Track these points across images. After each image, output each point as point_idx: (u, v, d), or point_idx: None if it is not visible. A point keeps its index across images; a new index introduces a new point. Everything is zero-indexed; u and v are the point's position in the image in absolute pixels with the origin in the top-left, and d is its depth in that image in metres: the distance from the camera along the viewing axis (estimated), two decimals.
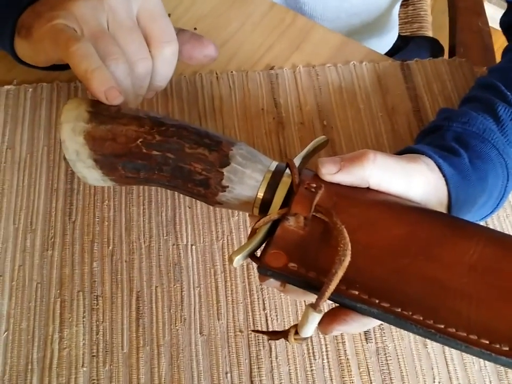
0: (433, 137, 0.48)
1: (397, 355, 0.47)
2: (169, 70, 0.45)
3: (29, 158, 0.55)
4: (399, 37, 0.93)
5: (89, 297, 0.48)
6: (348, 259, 0.32)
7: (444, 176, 0.41)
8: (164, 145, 0.38)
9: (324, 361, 0.47)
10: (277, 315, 0.48)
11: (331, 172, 0.37)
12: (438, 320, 0.31)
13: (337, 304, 0.36)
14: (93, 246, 0.50)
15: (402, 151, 0.45)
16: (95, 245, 0.51)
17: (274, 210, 0.36)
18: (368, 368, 0.46)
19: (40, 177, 0.54)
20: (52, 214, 0.52)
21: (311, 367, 0.46)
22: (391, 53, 0.90)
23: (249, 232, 0.38)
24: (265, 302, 0.49)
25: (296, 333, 0.34)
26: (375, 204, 0.37)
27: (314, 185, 0.37)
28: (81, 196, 0.53)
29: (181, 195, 0.53)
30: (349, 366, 0.46)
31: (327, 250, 0.34)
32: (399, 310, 0.32)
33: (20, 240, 0.50)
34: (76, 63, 0.38)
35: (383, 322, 0.36)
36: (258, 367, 0.46)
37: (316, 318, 0.32)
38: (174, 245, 0.51)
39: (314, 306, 0.32)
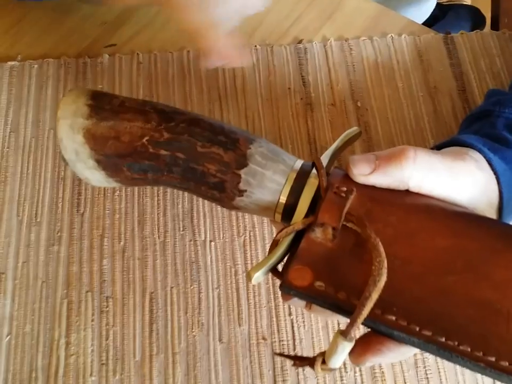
0: (482, 125, 0.42)
1: (438, 368, 0.42)
2: None
3: (34, 142, 0.50)
4: (436, 5, 0.86)
5: (99, 298, 0.44)
6: (383, 279, 0.28)
7: (495, 173, 0.36)
8: (173, 144, 0.33)
9: (356, 374, 0.42)
10: (304, 321, 0.44)
11: (364, 173, 0.32)
12: (488, 351, 0.27)
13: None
14: (102, 241, 0.46)
15: (447, 143, 0.39)
16: (105, 240, 0.46)
17: (299, 218, 0.31)
18: (405, 382, 0.42)
19: (46, 163, 0.49)
20: (58, 205, 0.47)
21: (341, 380, 0.42)
22: (428, 24, 0.83)
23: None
24: (291, 306, 0.44)
25: (324, 361, 0.29)
26: (415, 210, 0.32)
27: (345, 188, 0.31)
28: (90, 185, 0.48)
29: None
30: (384, 380, 0.42)
31: (359, 266, 0.30)
32: (443, 339, 0.27)
33: (24, 233, 0.46)
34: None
35: None
36: (283, 380, 0.42)
37: (346, 347, 0.28)
38: (191, 240, 0.46)
39: (344, 334, 0.28)
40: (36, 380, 0.41)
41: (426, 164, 0.33)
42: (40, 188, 0.48)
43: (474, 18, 0.85)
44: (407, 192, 0.33)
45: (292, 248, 0.32)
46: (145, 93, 0.53)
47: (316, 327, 0.43)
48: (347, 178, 0.33)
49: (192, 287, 0.45)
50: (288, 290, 0.30)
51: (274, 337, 0.43)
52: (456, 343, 0.27)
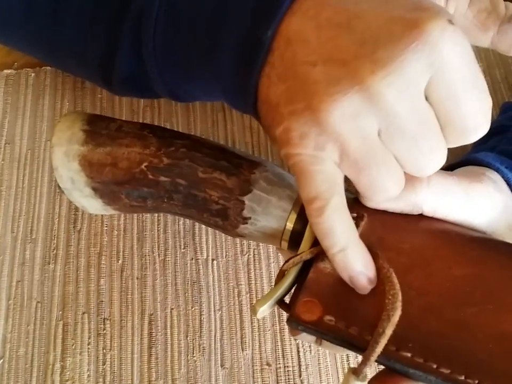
0: (498, 141, 0.40)
1: None
2: None
3: (30, 155, 0.48)
4: None
5: (95, 320, 0.42)
6: (397, 313, 0.26)
7: None
8: (174, 170, 0.31)
9: None
10: (310, 346, 0.42)
11: None
12: None
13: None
14: (100, 259, 0.44)
15: (462, 162, 0.37)
16: (102, 258, 0.44)
17: (307, 246, 0.30)
18: None
19: (42, 177, 0.47)
20: (54, 221, 0.45)
21: None
22: None
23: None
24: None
25: None
26: (430, 237, 0.30)
27: (355, 214, 0.29)
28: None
29: None
30: None
31: (371, 299, 0.28)
32: (463, 377, 0.25)
33: (19, 251, 0.44)
34: (319, 236, 0.28)
35: None
36: None
37: None
38: (192, 259, 0.44)
39: (356, 373, 0.26)
40: None
41: (441, 186, 0.31)
42: (36, 203, 0.46)
43: None
44: (421, 217, 0.31)
45: (300, 279, 0.30)
46: (146, 102, 0.51)
47: (323, 352, 0.41)
48: (357, 202, 0.31)
49: (193, 309, 0.43)
50: (296, 325, 0.28)
51: (279, 363, 0.41)
52: (477, 381, 0.25)
